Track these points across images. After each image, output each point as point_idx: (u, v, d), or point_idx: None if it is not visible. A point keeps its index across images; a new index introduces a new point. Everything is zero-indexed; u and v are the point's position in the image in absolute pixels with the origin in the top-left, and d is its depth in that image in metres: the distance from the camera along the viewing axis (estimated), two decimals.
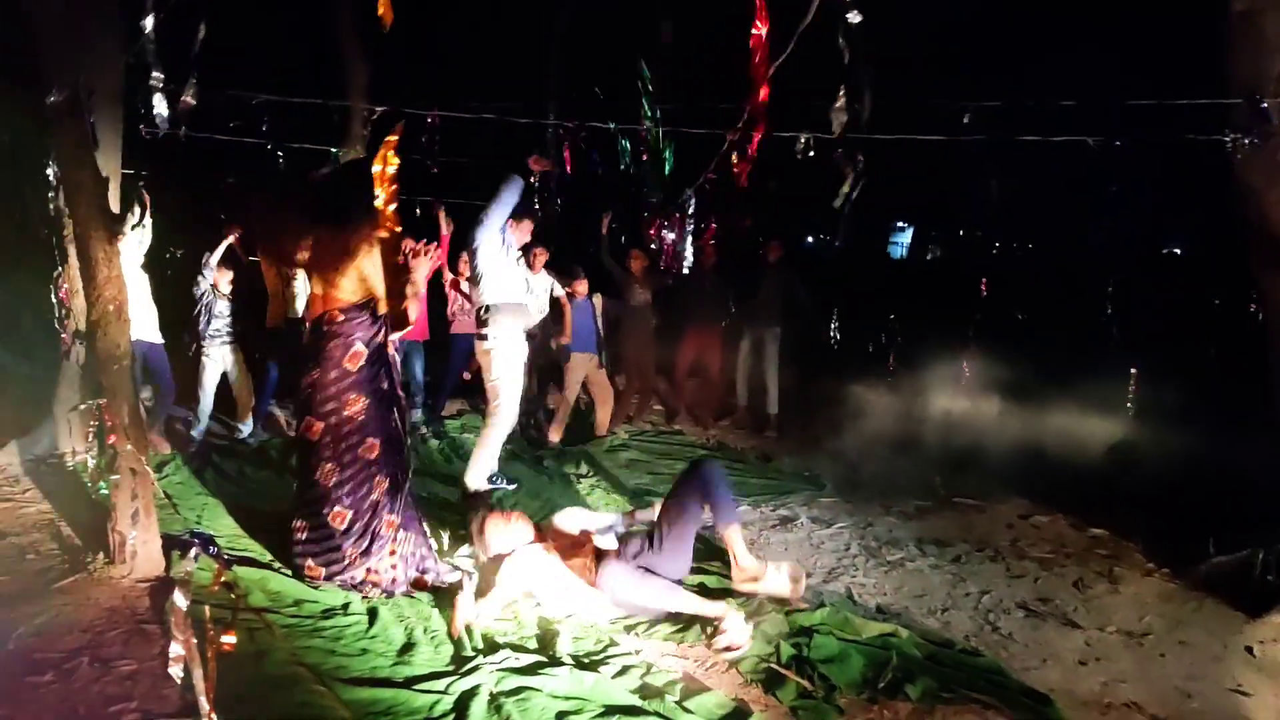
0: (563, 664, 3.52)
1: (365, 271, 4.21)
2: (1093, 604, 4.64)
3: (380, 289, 4.27)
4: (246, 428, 7.13)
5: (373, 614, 3.95)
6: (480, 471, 5.83)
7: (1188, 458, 6.63)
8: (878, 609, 4.45)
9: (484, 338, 5.85)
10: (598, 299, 8.04)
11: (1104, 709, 3.52)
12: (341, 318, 4.14)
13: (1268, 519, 4.91)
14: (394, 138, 5.06)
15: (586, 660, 3.61)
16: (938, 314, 9.63)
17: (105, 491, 3.85)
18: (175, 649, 3.27)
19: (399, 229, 4.52)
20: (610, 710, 3.19)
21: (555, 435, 7.74)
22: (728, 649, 3.77)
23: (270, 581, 4.19)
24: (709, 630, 3.90)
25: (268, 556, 4.60)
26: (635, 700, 3.27)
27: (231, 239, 6.69)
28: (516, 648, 3.69)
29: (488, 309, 5.86)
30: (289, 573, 4.34)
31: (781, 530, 5.62)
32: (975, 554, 5.35)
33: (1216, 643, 4.18)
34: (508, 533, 4.27)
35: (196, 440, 6.87)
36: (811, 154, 5.96)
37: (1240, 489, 5.60)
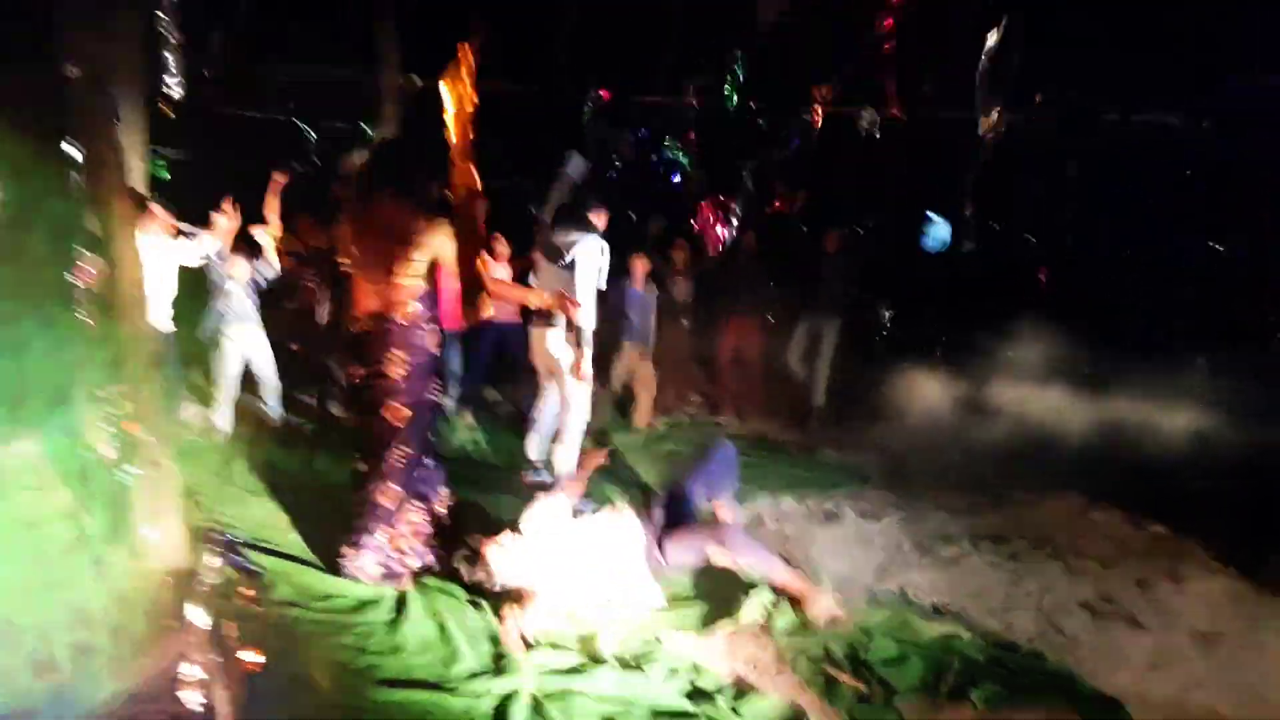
0: (606, 664, 3.33)
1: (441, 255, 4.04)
2: (1158, 604, 4.38)
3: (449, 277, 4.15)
4: (275, 410, 6.96)
5: (402, 604, 3.79)
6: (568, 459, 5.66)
7: (1253, 452, 6.34)
8: (934, 609, 4.22)
9: (553, 324, 5.61)
10: (652, 286, 7.78)
11: (1180, 715, 3.28)
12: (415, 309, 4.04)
13: None
14: (468, 56, 4.17)
15: (631, 660, 3.42)
16: (990, 304, 9.30)
17: (124, 481, 3.69)
18: (189, 670, 2.91)
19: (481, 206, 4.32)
20: (659, 715, 3.01)
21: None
22: (833, 620, 3.78)
23: (298, 574, 4.04)
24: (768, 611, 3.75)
25: (298, 546, 4.46)
26: (685, 704, 3.08)
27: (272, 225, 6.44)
28: (557, 646, 3.51)
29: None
30: (319, 564, 4.21)
31: (827, 525, 5.39)
32: (1032, 551, 5.10)
33: None
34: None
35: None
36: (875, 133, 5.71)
37: None
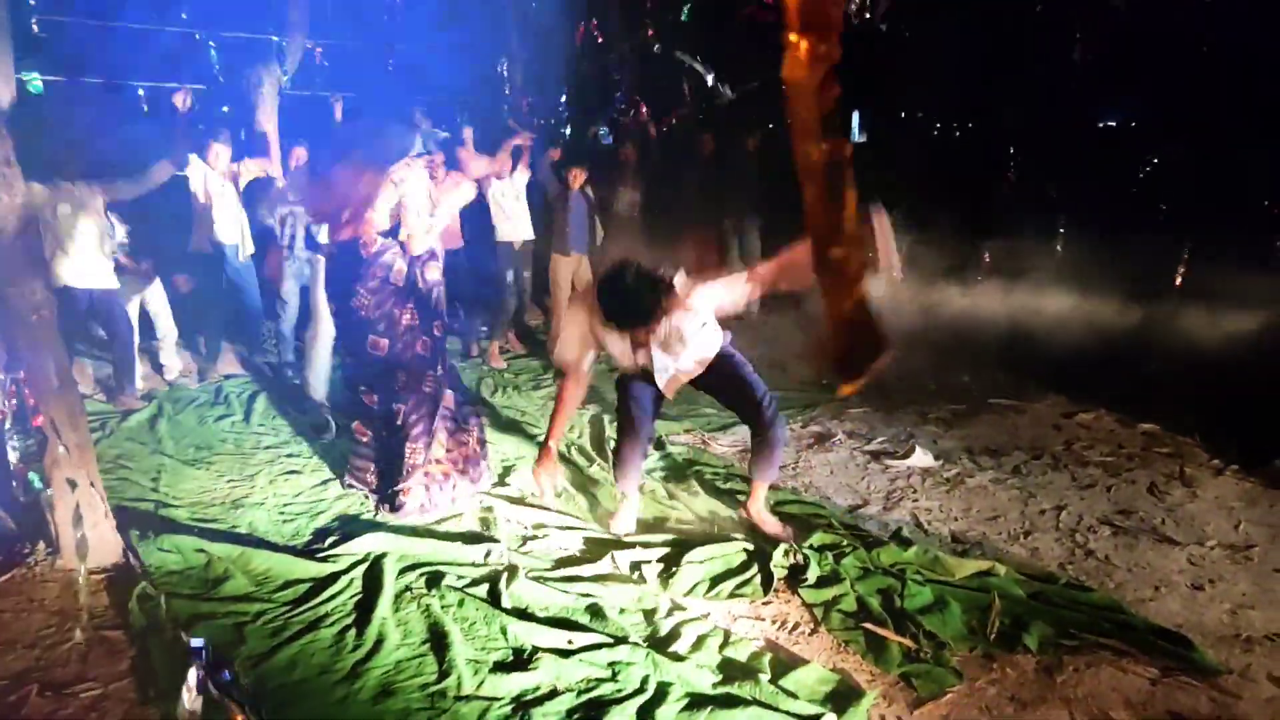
0: (628, 642, 2.95)
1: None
2: (1178, 513, 4.18)
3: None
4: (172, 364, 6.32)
5: (373, 578, 3.34)
6: None
7: (1227, 340, 6.19)
8: (953, 538, 3.95)
9: None
10: (590, 192, 7.24)
11: (1245, 645, 3.06)
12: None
13: None
14: None
15: (651, 635, 3.04)
16: (950, 197, 8.95)
17: (36, 482, 3.13)
18: None
19: None
20: (696, 701, 2.64)
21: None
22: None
23: (253, 559, 3.54)
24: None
25: (243, 522, 3.95)
26: (723, 685, 2.72)
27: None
28: (569, 624, 3.10)
29: None
30: (275, 540, 3.75)
31: (820, 450, 5.07)
32: (1034, 462, 4.87)
33: None
34: None
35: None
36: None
37: None
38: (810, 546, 3.61)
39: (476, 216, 6.88)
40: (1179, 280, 7.08)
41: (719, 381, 3.73)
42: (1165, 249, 7.99)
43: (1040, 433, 5.42)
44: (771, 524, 3.84)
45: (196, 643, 2.39)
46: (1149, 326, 7.05)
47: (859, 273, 1.50)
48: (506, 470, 4.63)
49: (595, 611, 3.19)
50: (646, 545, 3.71)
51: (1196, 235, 7.71)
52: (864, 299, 1.47)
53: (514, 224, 7.03)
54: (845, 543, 3.67)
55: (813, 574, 3.43)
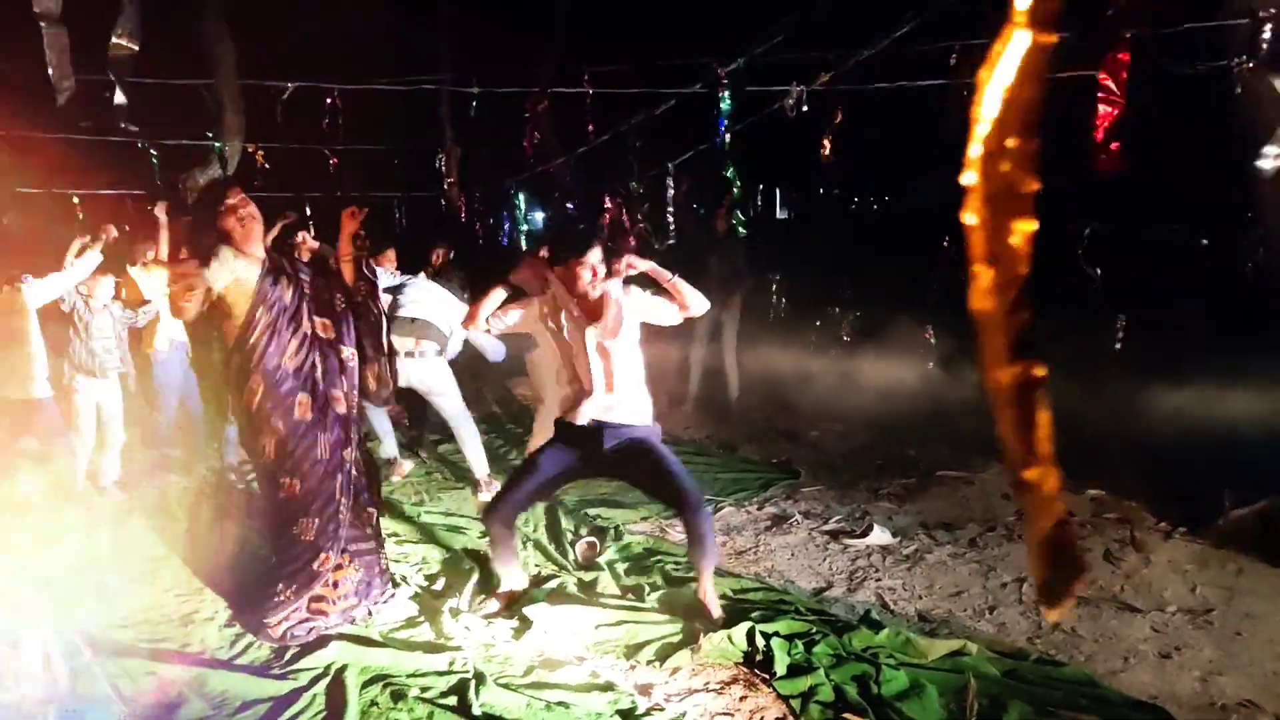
0: None
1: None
2: (1135, 579, 4.27)
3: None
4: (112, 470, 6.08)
5: (338, 709, 3.21)
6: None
7: (1164, 409, 6.41)
8: (919, 616, 3.96)
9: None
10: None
11: (1221, 712, 3.10)
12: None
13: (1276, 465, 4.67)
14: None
15: None
16: (893, 276, 9.21)
17: None
18: None
19: None
20: None
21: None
22: None
23: (209, 680, 3.39)
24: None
25: (195, 639, 3.79)
26: None
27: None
28: None
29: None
30: (228, 659, 3.59)
31: (778, 532, 5.08)
32: (989, 534, 4.94)
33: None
34: None
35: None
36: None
37: (1231, 437, 5.38)
38: (777, 635, 3.59)
39: None
40: (1115, 347, 7.33)
41: (645, 470, 3.88)
42: (1096, 316, 8.32)
43: (991, 503, 5.52)
44: (714, 609, 3.85)
45: None
46: (1084, 393, 7.27)
47: (1054, 493, 1.48)
48: (430, 579, 4.51)
49: (571, 718, 3.11)
50: (605, 648, 3.66)
51: (1125, 304, 8.03)
52: (1064, 519, 1.46)
53: None
54: (815, 629, 3.66)
55: (782, 664, 3.40)
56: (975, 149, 1.29)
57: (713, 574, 3.90)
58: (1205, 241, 6.58)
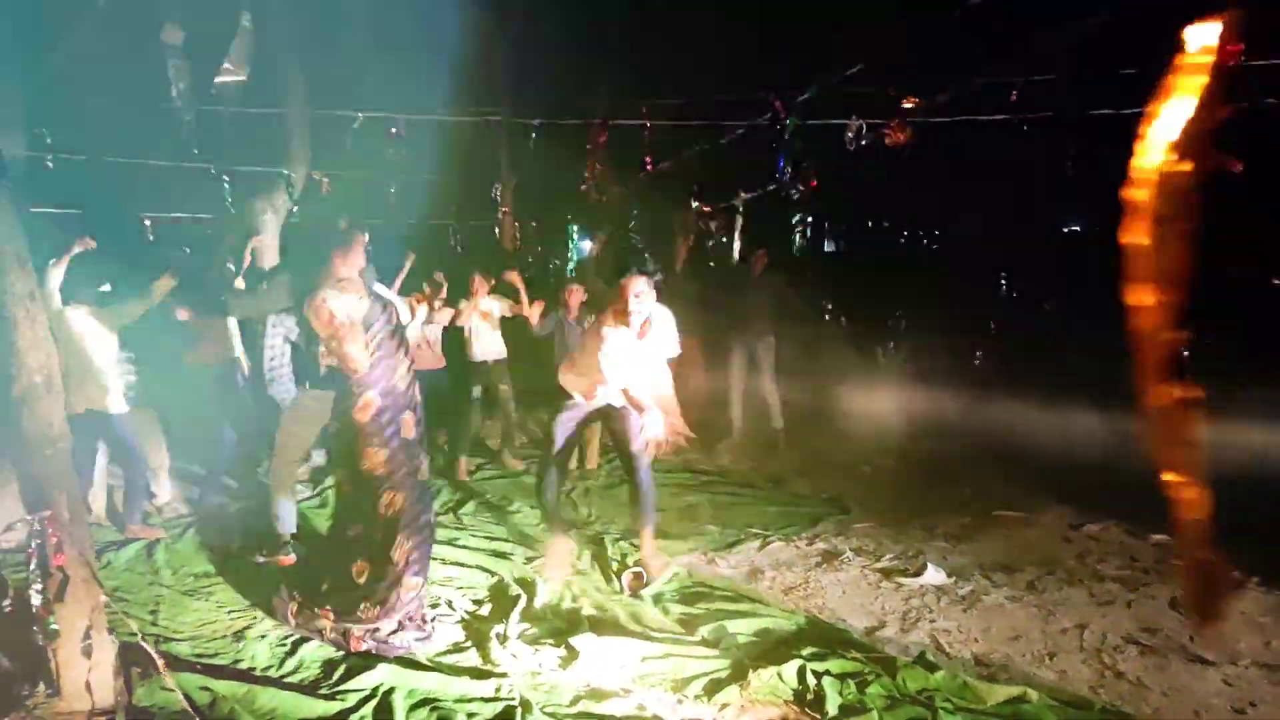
0: None
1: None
2: (1206, 630, 4.10)
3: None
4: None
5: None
6: None
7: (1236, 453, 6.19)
8: (975, 660, 3.85)
9: None
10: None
11: None
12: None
13: None
14: None
15: None
16: (946, 310, 9.10)
17: (52, 624, 3.02)
18: None
19: None
20: None
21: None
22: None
23: (259, 697, 3.41)
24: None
25: (246, 656, 3.82)
26: None
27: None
28: None
29: None
30: (279, 675, 3.61)
31: (829, 569, 4.98)
32: (1048, 578, 4.80)
33: None
34: None
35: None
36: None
37: None
38: (829, 674, 3.51)
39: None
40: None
41: (620, 427, 4.72)
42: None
43: (1050, 546, 5.37)
44: (657, 565, 4.70)
45: None
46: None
47: (1206, 514, 1.48)
48: (478, 604, 4.50)
49: None
50: (652, 680, 3.61)
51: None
52: (1213, 539, 1.45)
53: (484, 344, 7.10)
54: (868, 669, 3.58)
55: (833, 704, 3.32)
56: (1145, 172, 1.28)
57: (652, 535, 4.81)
58: None
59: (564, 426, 4.88)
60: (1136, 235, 1.34)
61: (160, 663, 3.16)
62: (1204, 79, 1.38)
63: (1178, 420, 1.38)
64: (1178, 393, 1.40)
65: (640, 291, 4.42)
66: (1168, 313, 1.34)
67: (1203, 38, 1.40)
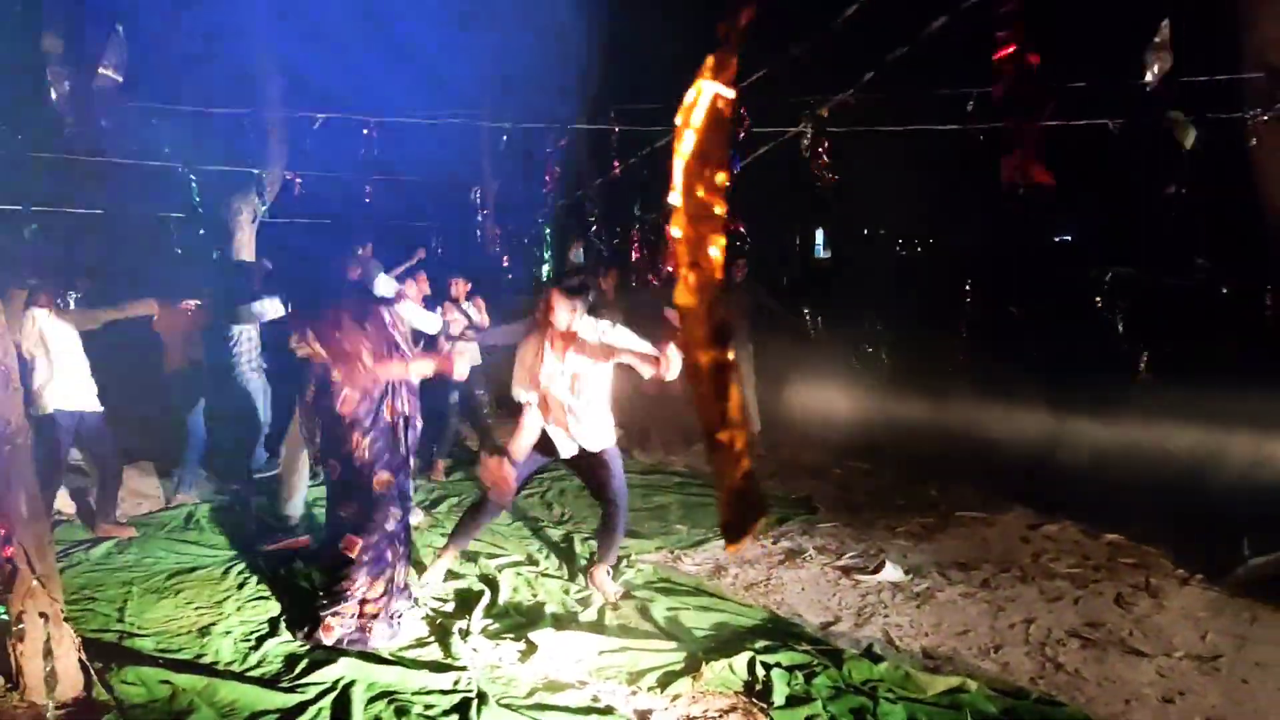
0: None
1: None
2: (1145, 624, 4.23)
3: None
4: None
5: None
6: None
7: (1188, 454, 6.34)
8: (924, 653, 3.96)
9: None
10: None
11: None
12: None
13: None
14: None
15: None
16: (921, 315, 9.23)
17: (3, 614, 3.11)
18: None
19: None
20: None
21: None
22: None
23: (219, 690, 3.48)
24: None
25: (209, 650, 3.89)
26: None
27: None
28: None
29: None
30: (242, 669, 3.69)
31: (791, 566, 5.10)
32: (1002, 575, 4.92)
33: None
34: None
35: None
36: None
37: (1256, 483, 5.34)
38: (779, 665, 3.62)
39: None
40: (1137, 391, 7.30)
41: (592, 470, 4.50)
42: (1122, 360, 8.26)
43: (1009, 545, 5.49)
44: (610, 591, 4.49)
45: None
46: (1111, 437, 7.21)
47: (743, 449, 1.77)
48: (442, 600, 4.58)
49: None
50: (608, 673, 3.71)
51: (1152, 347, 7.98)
52: (749, 470, 1.73)
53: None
54: (816, 661, 3.68)
55: (781, 694, 3.42)
56: (677, 178, 1.57)
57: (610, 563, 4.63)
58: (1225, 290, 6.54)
59: (526, 467, 4.50)
60: (676, 228, 1.65)
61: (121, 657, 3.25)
62: (711, 97, 1.62)
63: (716, 378, 1.69)
64: (715, 356, 1.69)
65: (558, 305, 4.23)
66: (706, 292, 1.66)
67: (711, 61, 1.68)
